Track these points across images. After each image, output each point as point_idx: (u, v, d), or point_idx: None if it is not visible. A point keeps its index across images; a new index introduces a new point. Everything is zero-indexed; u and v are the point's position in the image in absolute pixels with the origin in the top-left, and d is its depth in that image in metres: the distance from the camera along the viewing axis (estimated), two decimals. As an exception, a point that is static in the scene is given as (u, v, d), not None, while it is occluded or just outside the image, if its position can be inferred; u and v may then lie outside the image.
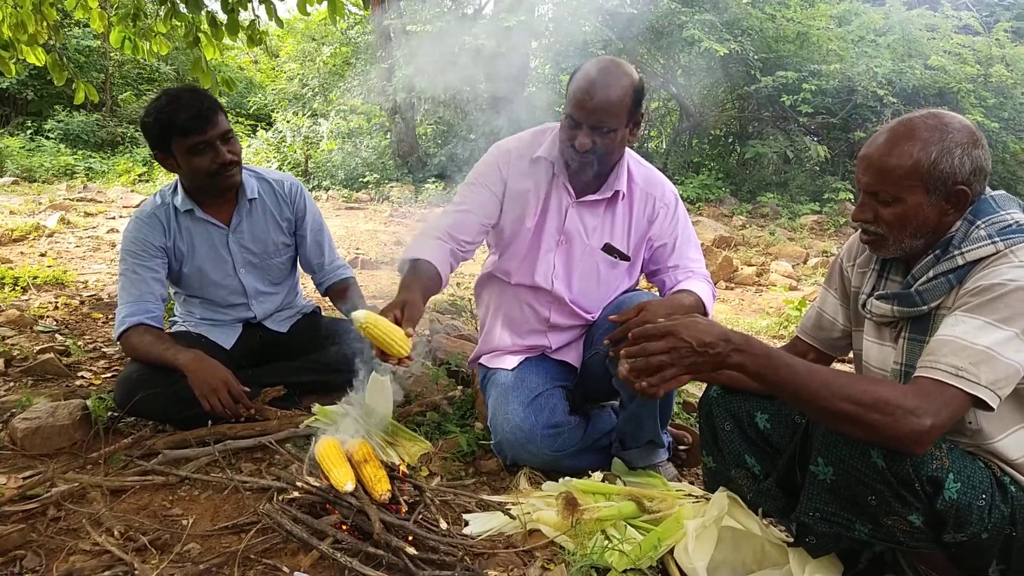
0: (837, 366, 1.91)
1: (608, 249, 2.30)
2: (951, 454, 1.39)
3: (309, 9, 3.90)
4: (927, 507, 1.38)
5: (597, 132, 2.05)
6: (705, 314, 2.14)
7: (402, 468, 1.99)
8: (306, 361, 2.68)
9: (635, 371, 1.45)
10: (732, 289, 6.27)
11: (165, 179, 12.49)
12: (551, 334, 2.39)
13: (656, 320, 1.78)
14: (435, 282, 2.10)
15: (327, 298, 2.91)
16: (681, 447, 2.45)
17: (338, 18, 3.84)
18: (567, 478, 2.11)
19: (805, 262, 7.66)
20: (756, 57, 11.43)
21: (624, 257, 2.32)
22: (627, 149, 2.25)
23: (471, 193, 2.27)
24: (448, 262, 2.16)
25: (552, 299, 2.33)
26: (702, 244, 7.05)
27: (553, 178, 2.26)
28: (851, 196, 10.36)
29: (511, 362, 2.37)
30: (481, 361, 2.48)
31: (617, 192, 2.25)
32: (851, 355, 1.85)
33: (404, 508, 1.80)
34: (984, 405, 1.34)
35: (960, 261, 1.47)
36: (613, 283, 2.35)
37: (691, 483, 2.24)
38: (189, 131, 2.31)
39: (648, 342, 1.44)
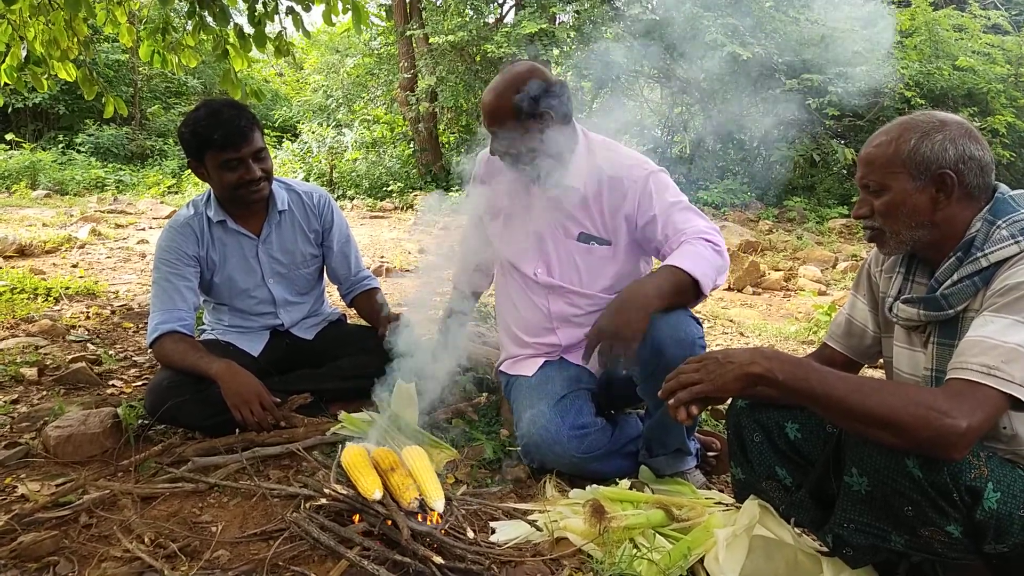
0: (867, 373, 1.88)
1: (584, 238, 2.31)
2: (990, 463, 1.35)
3: (334, 19, 3.94)
4: (966, 517, 1.35)
5: (502, 138, 2.17)
6: (699, 283, 2.03)
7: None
8: (332, 368, 2.70)
9: (668, 392, 1.51)
10: (759, 294, 6.20)
11: (194, 190, 12.70)
12: (560, 330, 2.38)
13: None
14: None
15: (352, 308, 2.94)
16: (710, 453, 2.42)
17: (363, 27, 3.88)
18: (594, 486, 2.09)
19: (834, 266, 7.56)
20: (780, 60, 11.33)
21: (603, 242, 2.31)
22: (589, 137, 2.31)
23: (470, 231, 2.56)
24: (477, 286, 2.67)
25: (543, 288, 2.36)
26: (728, 249, 6.96)
27: (521, 176, 2.34)
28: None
29: (531, 367, 2.37)
30: (502, 368, 2.48)
31: (574, 187, 2.26)
32: (881, 362, 1.82)
33: (434, 517, 1.80)
34: (1020, 405, 1.31)
35: (984, 263, 1.45)
36: (597, 268, 2.34)
37: (720, 491, 2.21)
38: (224, 147, 2.35)
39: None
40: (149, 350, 2.53)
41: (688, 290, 2.04)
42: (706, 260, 2.06)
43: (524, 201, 2.38)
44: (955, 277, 1.49)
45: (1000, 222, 1.46)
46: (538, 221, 2.34)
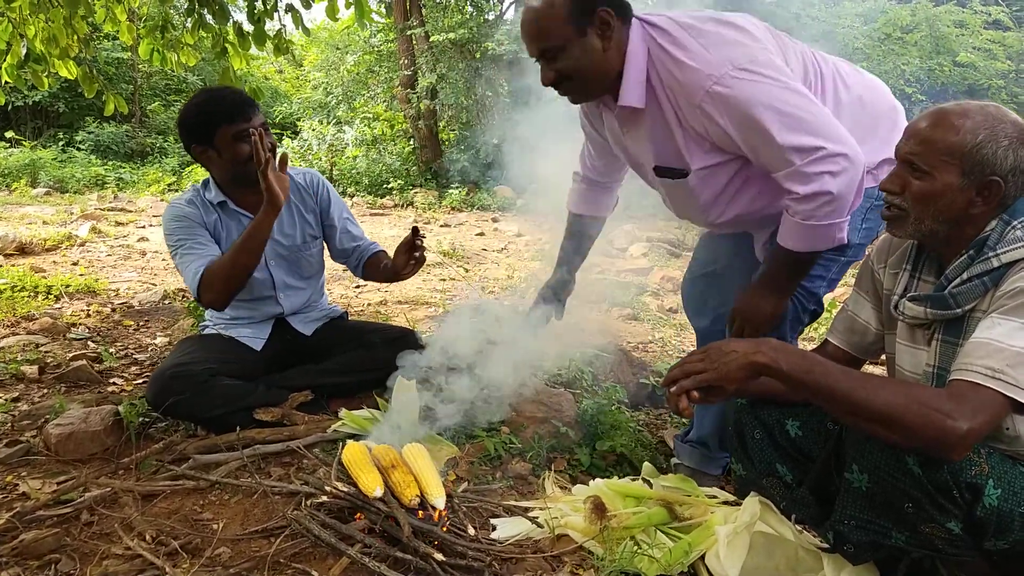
0: (869, 369, 1.88)
1: (660, 171, 2.00)
2: (991, 460, 1.35)
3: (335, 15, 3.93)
4: (966, 514, 1.35)
5: (549, 59, 1.87)
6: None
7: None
8: (332, 363, 2.70)
9: (670, 380, 1.50)
10: (759, 291, 6.18)
11: (193, 188, 12.68)
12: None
13: None
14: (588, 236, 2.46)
15: (368, 279, 2.91)
16: None
17: (367, 23, 3.87)
18: (596, 481, 2.09)
19: (833, 264, 7.54)
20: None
21: (678, 173, 1.95)
22: (653, 36, 1.85)
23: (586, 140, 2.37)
24: (597, 201, 2.43)
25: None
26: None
27: (598, 109, 2.14)
28: (880, 196, 10.22)
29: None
30: None
31: (633, 108, 1.90)
32: (883, 358, 1.82)
33: (440, 512, 1.80)
34: (1023, 409, 1.31)
35: (996, 263, 1.42)
36: (696, 200, 2.01)
37: (722, 487, 2.21)
38: (234, 118, 2.35)
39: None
40: (197, 301, 2.48)
41: (810, 259, 1.89)
42: (811, 234, 1.80)
43: (612, 137, 2.13)
44: (965, 276, 1.46)
45: (1016, 222, 1.43)
46: (630, 156, 2.12)
